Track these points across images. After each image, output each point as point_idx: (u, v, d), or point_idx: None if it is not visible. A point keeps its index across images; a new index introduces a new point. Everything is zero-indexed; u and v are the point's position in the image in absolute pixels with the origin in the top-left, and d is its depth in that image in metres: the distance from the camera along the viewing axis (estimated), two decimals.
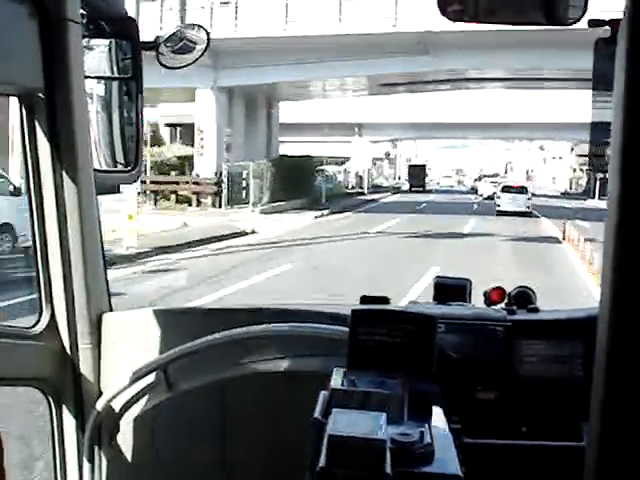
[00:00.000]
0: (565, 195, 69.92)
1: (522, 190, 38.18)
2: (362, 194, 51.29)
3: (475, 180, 66.71)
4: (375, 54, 31.98)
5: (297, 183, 35.94)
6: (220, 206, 33.00)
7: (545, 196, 57.24)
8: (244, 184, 33.39)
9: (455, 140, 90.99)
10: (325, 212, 33.07)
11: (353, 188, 55.32)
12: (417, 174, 68.71)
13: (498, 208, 36.58)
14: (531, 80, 40.67)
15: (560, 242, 24.30)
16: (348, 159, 60.55)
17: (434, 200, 47.96)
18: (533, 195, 43.76)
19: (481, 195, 52.45)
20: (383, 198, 49.78)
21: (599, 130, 1.75)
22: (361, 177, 57.71)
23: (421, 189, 64.06)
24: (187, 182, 35.06)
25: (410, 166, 75.00)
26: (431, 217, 31.59)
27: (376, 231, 25.27)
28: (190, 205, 33.38)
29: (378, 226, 26.45)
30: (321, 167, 50.88)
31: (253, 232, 24.21)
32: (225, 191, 33.27)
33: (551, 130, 62.42)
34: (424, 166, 75.10)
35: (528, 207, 36.95)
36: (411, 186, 65.87)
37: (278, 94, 40.86)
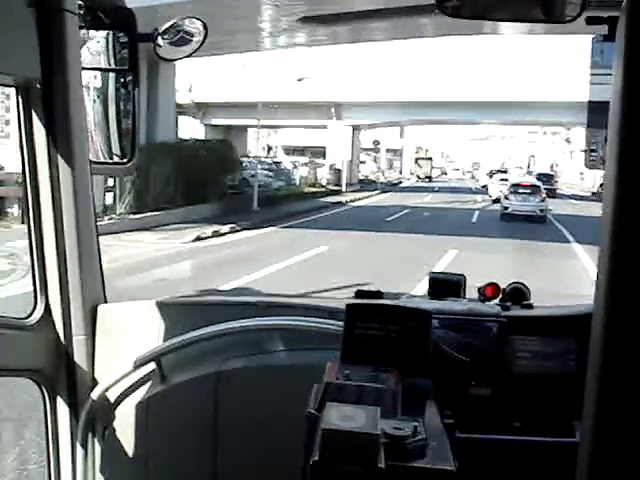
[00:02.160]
0: (597, 196, 47.97)
1: (534, 189, 30.70)
2: (335, 193, 40.46)
3: (488, 175, 54.79)
4: None
5: (204, 181, 25.22)
6: None
7: (573, 197, 44.44)
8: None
9: (475, 131, 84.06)
10: (225, 228, 21.63)
11: (327, 185, 44.53)
12: (425, 165, 73.21)
13: (505, 211, 29.99)
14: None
15: None
16: (316, 149, 51.79)
17: (424, 205, 35.76)
18: (557, 196, 38.32)
19: (490, 196, 40.48)
20: (360, 200, 38.56)
21: (596, 123, 1.75)
22: (339, 171, 45.75)
23: (428, 180, 68.75)
24: None
25: (417, 159, 77.75)
26: (387, 243, 19.80)
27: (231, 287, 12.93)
28: None
29: (263, 269, 14.53)
30: (275, 159, 44.00)
31: None
32: None
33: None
34: (430, 158, 78.39)
35: (542, 210, 29.69)
36: (418, 177, 70.92)
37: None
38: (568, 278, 13.55)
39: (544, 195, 30.60)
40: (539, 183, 32.72)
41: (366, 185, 49.76)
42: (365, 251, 18.21)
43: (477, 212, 33.26)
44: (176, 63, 24.52)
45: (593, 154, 1.83)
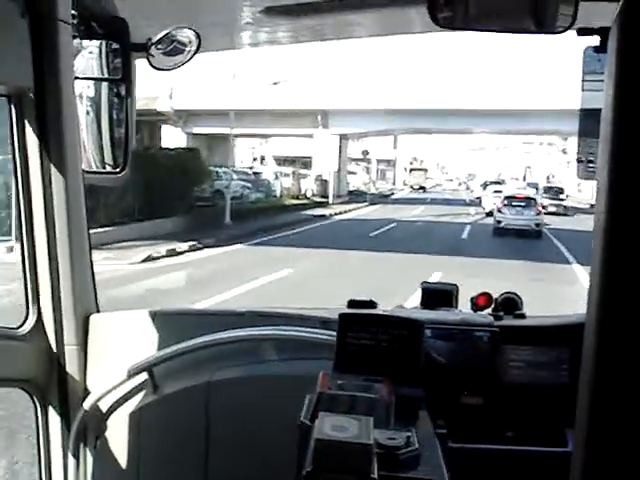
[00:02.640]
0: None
1: (530, 202, 29.07)
2: (320, 205, 38.01)
3: (482, 187, 52.09)
4: None
5: (167, 193, 22.87)
6: None
7: (573, 209, 40.43)
8: None
9: (470, 142, 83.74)
10: (184, 246, 19.38)
11: (313, 196, 42.16)
12: (418, 177, 75.74)
13: (498, 225, 28.34)
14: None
15: None
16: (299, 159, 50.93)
17: (414, 218, 33.90)
18: (569, 213, 36.68)
19: (484, 209, 38.22)
20: (346, 213, 36.34)
21: (588, 134, 1.76)
22: (325, 182, 43.40)
23: (422, 190, 70.79)
24: None
25: (412, 169, 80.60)
26: (363, 265, 17.71)
27: None
28: None
29: (204, 301, 12.13)
30: (255, 169, 41.03)
31: None
32: None
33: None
34: (425, 170, 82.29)
35: (537, 224, 28.16)
36: (412, 187, 72.60)
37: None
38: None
39: (540, 209, 29.19)
40: (535, 195, 31.74)
41: (356, 197, 47.38)
42: (334, 276, 15.44)
43: (469, 226, 30.77)
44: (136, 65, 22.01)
45: (590, 165, 1.83)
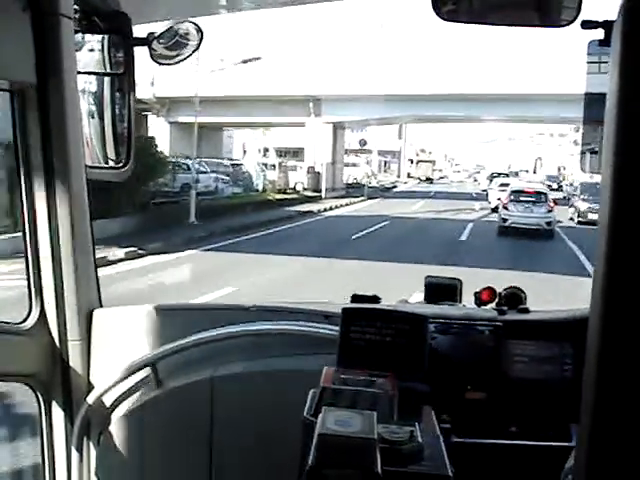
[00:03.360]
0: None
1: (540, 197, 25.22)
2: (310, 200, 34.60)
3: (488, 179, 48.09)
4: None
5: (112, 189, 17.59)
6: None
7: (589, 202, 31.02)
8: None
9: (480, 133, 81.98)
10: (119, 253, 16.21)
11: (304, 190, 38.43)
12: (425, 169, 77.86)
13: (503, 224, 24.66)
14: None
15: None
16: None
17: (411, 215, 30.09)
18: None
19: (489, 203, 34.36)
20: (337, 209, 32.72)
21: (593, 119, 1.74)
22: (318, 174, 39.59)
23: (429, 182, 71.82)
24: None
25: (419, 161, 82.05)
26: (330, 279, 14.06)
27: None
28: None
29: None
30: (235, 161, 36.73)
31: None
32: None
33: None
34: (433, 161, 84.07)
35: (549, 223, 24.38)
36: (419, 179, 73.94)
37: None
38: None
39: (552, 204, 25.09)
40: (545, 190, 27.52)
41: (354, 190, 43.70)
42: (287, 296, 10.84)
43: (470, 225, 26.63)
44: None
45: (593, 155, 1.80)
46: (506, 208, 25.18)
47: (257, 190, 34.66)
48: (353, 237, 21.72)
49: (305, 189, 38.93)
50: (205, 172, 28.82)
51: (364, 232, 22.90)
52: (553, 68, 34.00)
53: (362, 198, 39.62)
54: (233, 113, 34.62)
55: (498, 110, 39.90)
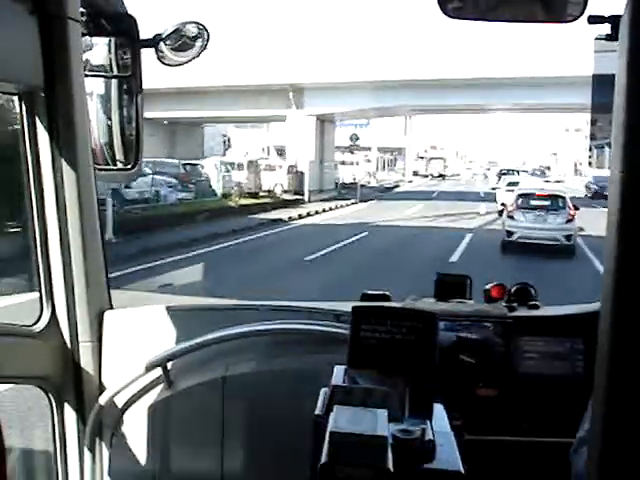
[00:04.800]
0: None
1: (556, 202, 19.58)
2: (289, 204, 30.22)
3: (497, 177, 43.18)
4: None
5: None
6: None
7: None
8: None
9: (492, 129, 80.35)
10: None
11: (284, 193, 33.83)
12: (437, 165, 79.96)
13: (508, 238, 19.01)
14: None
15: None
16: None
17: (401, 222, 25.25)
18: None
19: (497, 203, 28.33)
20: (318, 215, 28.13)
21: (602, 106, 1.71)
22: (301, 174, 34.92)
23: (441, 178, 74.10)
24: None
25: (431, 158, 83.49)
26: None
27: None
28: None
29: None
30: (187, 161, 31.32)
31: None
32: None
33: None
34: (444, 159, 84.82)
35: (568, 236, 18.53)
36: (432, 175, 76.16)
37: None
38: None
39: (572, 212, 19.06)
40: (563, 192, 21.47)
41: (349, 191, 38.61)
42: None
43: (469, 236, 21.37)
44: None
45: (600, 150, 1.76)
46: (512, 217, 19.33)
47: (215, 194, 29.06)
48: (308, 259, 16.81)
49: (286, 191, 34.17)
50: (142, 174, 21.25)
51: (328, 249, 18.13)
52: (566, 48, 28.64)
53: (353, 201, 35.03)
54: (209, 107, 30.32)
55: (506, 97, 34.56)
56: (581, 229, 19.24)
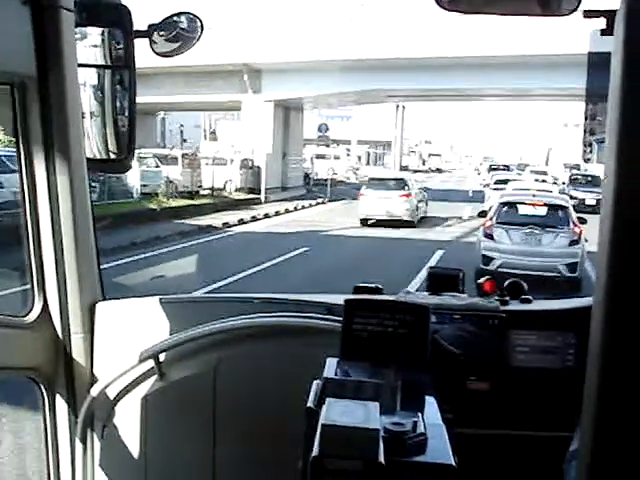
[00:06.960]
0: None
1: (556, 215, 13.83)
2: (236, 206, 26.03)
3: (488, 172, 40.02)
4: None
5: None
6: None
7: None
8: None
9: (488, 123, 78.78)
10: None
11: (236, 191, 29.06)
12: (433, 161, 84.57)
13: (485, 267, 12.81)
14: None
15: None
16: None
17: (358, 232, 21.26)
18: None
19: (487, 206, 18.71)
20: (269, 218, 24.15)
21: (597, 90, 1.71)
22: (258, 169, 30.20)
23: (438, 172, 76.75)
24: None
25: (430, 154, 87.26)
26: None
27: None
28: None
29: None
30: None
31: None
32: None
33: None
34: (439, 155, 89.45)
35: (572, 266, 13.05)
36: (430, 169, 78.61)
37: None
38: None
39: (577, 228, 13.41)
40: (565, 201, 15.12)
41: (321, 188, 34.01)
42: None
43: (439, 254, 16.22)
44: None
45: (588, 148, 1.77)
46: (490, 236, 13.59)
47: (131, 195, 23.43)
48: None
49: (238, 189, 29.45)
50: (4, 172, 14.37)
51: (237, 277, 13.18)
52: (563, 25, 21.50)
53: (321, 200, 31.11)
54: (156, 91, 24.88)
55: (498, 81, 29.10)
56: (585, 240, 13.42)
